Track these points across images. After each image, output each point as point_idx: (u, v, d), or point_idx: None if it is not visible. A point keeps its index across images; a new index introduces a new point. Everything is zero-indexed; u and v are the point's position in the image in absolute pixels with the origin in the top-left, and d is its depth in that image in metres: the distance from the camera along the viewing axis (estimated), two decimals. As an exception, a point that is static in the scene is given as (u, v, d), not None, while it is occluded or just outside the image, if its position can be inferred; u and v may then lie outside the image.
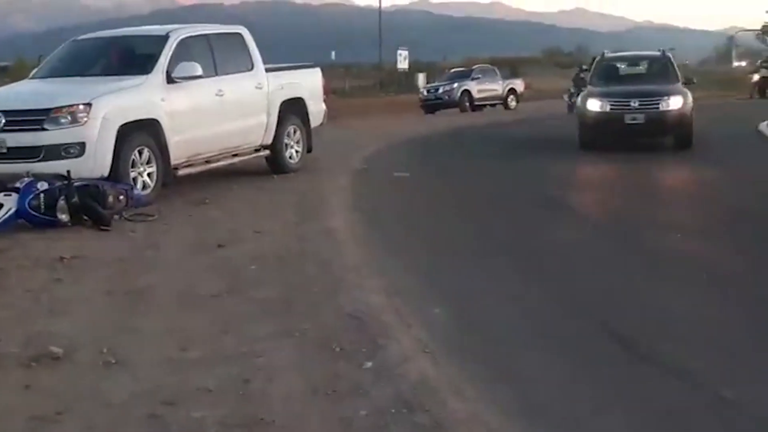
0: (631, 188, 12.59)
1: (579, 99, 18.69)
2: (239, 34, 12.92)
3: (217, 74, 11.77)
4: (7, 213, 8.81)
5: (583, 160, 16.13)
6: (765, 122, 21.58)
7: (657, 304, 6.24)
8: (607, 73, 19.10)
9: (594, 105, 16.94)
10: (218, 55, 12.02)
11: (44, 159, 9.57)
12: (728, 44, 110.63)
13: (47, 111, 9.79)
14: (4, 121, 9.82)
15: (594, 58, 34.62)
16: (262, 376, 4.62)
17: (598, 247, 8.47)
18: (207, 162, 11.74)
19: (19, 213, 8.84)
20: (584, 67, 32.67)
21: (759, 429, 4.07)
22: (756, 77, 38.68)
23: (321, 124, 14.55)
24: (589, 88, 18.30)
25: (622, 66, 19.94)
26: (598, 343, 5.36)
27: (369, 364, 4.79)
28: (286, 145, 13.34)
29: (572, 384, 4.68)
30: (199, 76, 11.20)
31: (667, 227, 9.27)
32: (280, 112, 12.99)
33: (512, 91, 37.21)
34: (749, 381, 4.56)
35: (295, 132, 13.54)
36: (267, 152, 13.04)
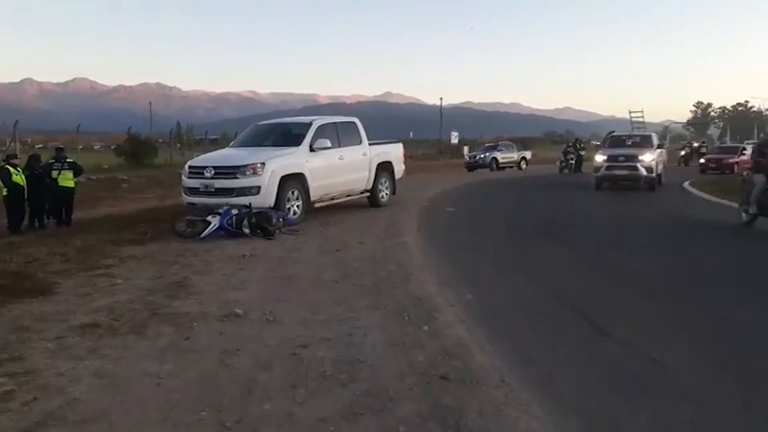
0: (605, 213, 12.25)
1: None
2: (354, 122, 13.07)
3: (339, 146, 11.89)
4: (213, 227, 9.13)
5: (569, 196, 15.75)
6: (687, 182, 21.01)
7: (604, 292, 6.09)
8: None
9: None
10: (341, 134, 12.15)
11: (236, 195, 9.82)
12: (664, 131, 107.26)
13: (239, 167, 10.07)
14: (214, 172, 10.20)
15: (576, 139, 34.02)
16: (359, 332, 4.67)
17: (574, 260, 8.26)
18: (332, 199, 11.86)
19: (220, 228, 9.14)
20: (569, 144, 32.16)
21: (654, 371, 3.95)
22: (682, 153, 38.63)
23: (401, 177, 14.65)
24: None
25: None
26: (566, 317, 5.22)
27: (426, 327, 4.80)
28: (380, 189, 13.38)
29: (553, 348, 4.61)
30: (329, 147, 11.38)
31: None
32: (376, 169, 13.07)
33: (523, 158, 36.63)
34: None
35: (385, 181, 13.59)
36: (368, 194, 13.11)
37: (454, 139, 57.65)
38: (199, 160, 11.48)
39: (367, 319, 5.02)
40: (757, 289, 6.37)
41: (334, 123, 12.36)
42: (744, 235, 9.85)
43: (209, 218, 9.20)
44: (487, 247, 9.05)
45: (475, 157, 35.44)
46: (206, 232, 9.05)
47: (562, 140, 60.44)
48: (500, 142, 39.41)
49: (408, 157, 18.30)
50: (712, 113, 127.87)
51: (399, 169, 14.30)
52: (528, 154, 38.14)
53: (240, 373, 3.91)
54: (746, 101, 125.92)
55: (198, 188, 10.28)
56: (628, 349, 4.47)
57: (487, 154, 34.79)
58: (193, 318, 5.06)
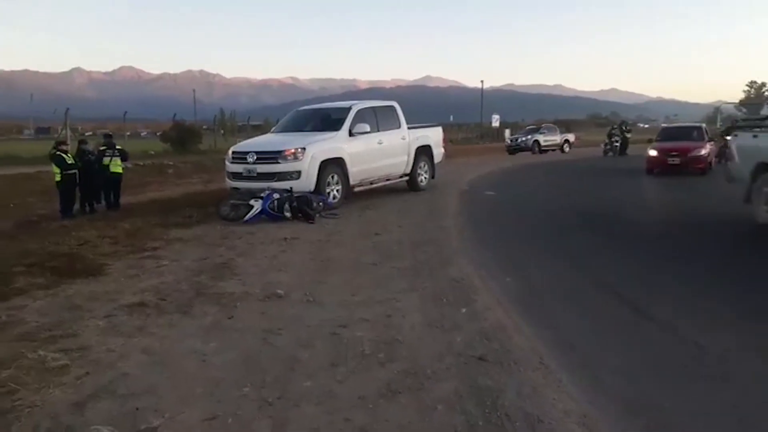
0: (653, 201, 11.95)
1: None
2: (392, 106, 13.06)
3: (378, 130, 11.93)
4: (256, 211, 9.30)
5: (613, 180, 15.40)
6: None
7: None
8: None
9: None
10: (380, 119, 12.18)
11: (277, 180, 9.97)
12: (715, 113, 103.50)
13: (280, 152, 10.22)
14: (256, 157, 10.36)
15: (622, 121, 33.17)
16: (398, 313, 4.71)
17: (617, 248, 8.07)
18: (371, 183, 11.93)
19: (263, 211, 9.31)
20: (614, 127, 31.35)
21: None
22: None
23: (440, 161, 14.58)
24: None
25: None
26: (607, 302, 5.14)
27: (464, 310, 4.80)
28: (419, 173, 13.40)
29: (579, 320, 4.55)
30: (368, 132, 11.43)
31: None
32: (415, 153, 13.08)
33: (566, 141, 35.91)
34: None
35: (424, 165, 13.58)
36: (407, 178, 13.13)
37: (495, 122, 57.05)
38: (242, 145, 11.66)
39: (406, 300, 5.06)
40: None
41: (373, 107, 12.38)
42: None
43: (252, 202, 9.36)
44: (526, 232, 8.94)
45: (516, 140, 34.95)
46: (249, 215, 9.22)
47: (607, 122, 59.13)
48: (543, 125, 38.73)
49: (448, 141, 18.23)
50: (767, 93, 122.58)
51: (438, 152, 14.26)
52: (571, 137, 37.42)
53: (281, 351, 4.00)
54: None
55: (241, 173, 10.46)
56: (672, 334, 4.38)
57: (529, 136, 34.26)
58: (237, 298, 5.18)
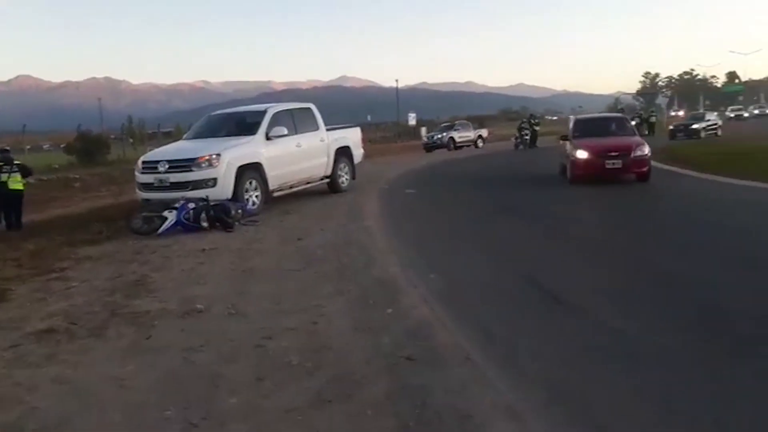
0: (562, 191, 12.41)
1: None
2: (310, 108, 12.95)
3: (296, 133, 11.79)
4: (170, 222, 8.95)
5: (516, 172, 15.96)
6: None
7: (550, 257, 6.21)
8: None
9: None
10: (297, 121, 12.05)
11: (192, 189, 9.64)
12: (615, 103, 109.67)
13: (194, 160, 9.89)
14: (168, 166, 9.98)
15: (530, 115, 34.42)
16: (324, 320, 4.66)
17: (526, 233, 8.37)
18: (291, 187, 11.75)
19: (177, 222, 8.97)
20: (523, 121, 32.54)
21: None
22: (633, 123, 38.92)
23: (360, 162, 14.61)
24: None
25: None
26: (520, 287, 5.27)
27: (390, 310, 4.81)
28: (339, 175, 13.36)
29: (501, 312, 4.67)
30: (285, 135, 11.26)
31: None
32: (335, 155, 13.03)
33: (480, 136, 37.07)
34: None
35: (344, 167, 13.56)
36: (328, 180, 13.06)
37: (412, 120, 57.93)
38: (152, 154, 11.23)
39: (332, 306, 5.01)
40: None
41: (290, 110, 12.23)
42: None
43: (165, 213, 9.01)
44: (448, 227, 9.12)
45: (433, 137, 35.68)
46: (163, 227, 8.87)
47: (518, 116, 61.21)
48: (457, 122, 39.75)
49: (367, 141, 18.32)
50: (660, 83, 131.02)
51: (358, 153, 14.29)
52: (484, 132, 38.62)
53: (204, 369, 3.85)
54: (692, 69, 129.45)
55: (152, 183, 10.06)
56: (589, 319, 4.56)
57: (445, 134, 35.06)
58: (154, 316, 4.96)
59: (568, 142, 14.00)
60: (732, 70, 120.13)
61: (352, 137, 14.20)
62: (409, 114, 58.73)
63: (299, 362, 3.84)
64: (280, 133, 11.11)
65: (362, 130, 15.47)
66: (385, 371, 3.66)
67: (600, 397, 3.31)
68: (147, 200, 10.02)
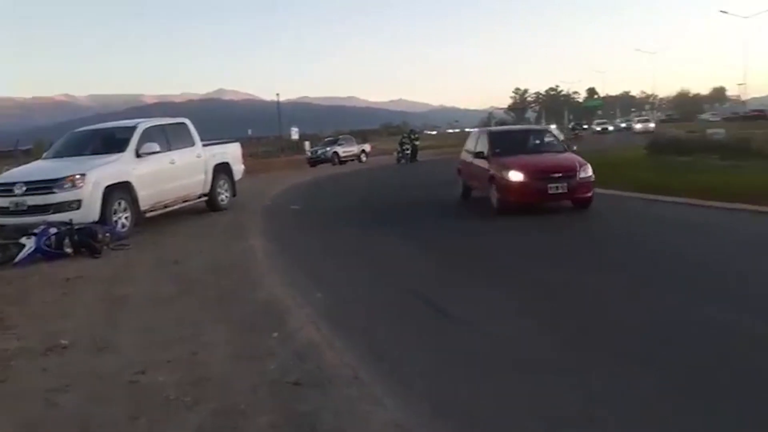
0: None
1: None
2: (184, 123, 12.49)
3: (170, 149, 11.32)
4: (29, 250, 8.19)
5: (402, 185, 16.35)
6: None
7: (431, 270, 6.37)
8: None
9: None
10: (170, 137, 11.59)
11: (54, 212, 8.95)
12: (489, 117, 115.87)
13: (56, 180, 9.22)
14: (25, 188, 9.18)
15: (410, 130, 35.36)
16: (204, 349, 4.41)
17: (413, 247, 8.52)
18: (166, 207, 11.19)
19: (37, 250, 8.22)
20: (404, 135, 33.42)
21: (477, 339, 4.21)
22: None
23: (241, 178, 14.25)
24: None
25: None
26: (412, 305, 5.38)
27: (275, 334, 4.66)
28: (219, 192, 12.97)
29: (388, 327, 4.71)
30: (158, 152, 10.75)
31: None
32: (213, 171, 12.64)
33: (363, 151, 37.57)
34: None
35: (224, 184, 13.18)
36: (206, 198, 12.63)
37: (295, 134, 57.70)
38: (8, 175, 10.34)
39: (212, 334, 4.78)
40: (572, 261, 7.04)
41: (162, 125, 11.73)
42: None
43: (23, 240, 8.23)
44: (334, 243, 9.09)
45: (317, 152, 35.71)
46: (20, 256, 8.09)
47: (399, 131, 62.88)
48: (340, 136, 40.10)
49: (248, 156, 17.91)
50: (529, 98, 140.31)
51: (238, 169, 13.94)
52: (367, 147, 39.19)
53: (71, 411, 3.51)
54: (557, 86, 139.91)
55: (7, 207, 9.19)
56: (469, 327, 4.70)
57: (329, 148, 35.21)
58: (11, 356, 4.47)
59: (480, 161, 11.43)
60: (592, 86, 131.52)
61: (232, 152, 13.85)
62: (292, 128, 58.46)
63: (177, 396, 3.60)
64: (152, 150, 10.58)
65: (243, 145, 15.13)
66: (272, 399, 3.53)
67: (486, 407, 3.40)
68: (1, 226, 9.10)
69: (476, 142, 12.44)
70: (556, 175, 10.07)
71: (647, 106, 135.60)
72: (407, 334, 4.72)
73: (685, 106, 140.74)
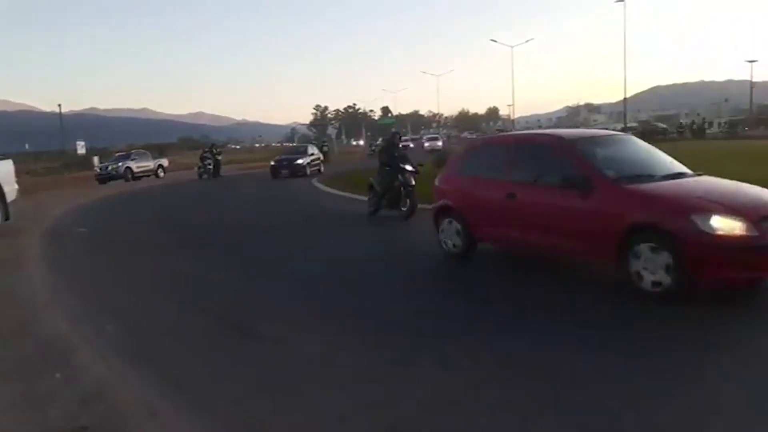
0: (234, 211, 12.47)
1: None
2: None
3: None
4: None
5: (204, 201, 15.73)
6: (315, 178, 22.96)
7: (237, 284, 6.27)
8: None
9: None
10: None
11: None
12: (292, 133, 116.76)
13: None
14: None
15: (212, 144, 34.25)
16: (-30, 400, 3.85)
17: (214, 266, 8.24)
18: None
19: None
20: (206, 150, 32.24)
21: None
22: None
23: (15, 199, 12.60)
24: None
25: None
26: (214, 328, 5.21)
27: (59, 375, 4.22)
28: (-13, 217, 11.36)
29: (188, 354, 4.51)
30: None
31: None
32: (-21, 193, 11.04)
33: (160, 166, 35.52)
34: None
35: (-7, 207, 11.58)
36: (-29, 223, 10.99)
37: (81, 149, 52.39)
38: None
39: (-20, 382, 4.16)
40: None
41: None
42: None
43: None
44: (126, 268, 8.40)
45: (107, 168, 33.01)
46: None
47: (199, 145, 60.54)
48: (134, 151, 37.57)
49: (25, 174, 15.90)
50: (329, 115, 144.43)
51: (11, 189, 12.37)
52: (165, 162, 37.25)
53: None
54: (354, 104, 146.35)
55: None
56: (280, 348, 4.66)
57: (120, 164, 32.77)
58: None
59: (553, 193, 5.90)
60: (386, 105, 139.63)
61: (3, 170, 12.21)
62: (78, 142, 52.91)
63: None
64: None
65: (18, 161, 13.42)
66: (54, 449, 3.18)
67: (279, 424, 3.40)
68: None
69: (506, 159, 6.78)
70: None
71: (434, 124, 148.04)
72: (207, 358, 4.53)
73: (466, 123, 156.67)
